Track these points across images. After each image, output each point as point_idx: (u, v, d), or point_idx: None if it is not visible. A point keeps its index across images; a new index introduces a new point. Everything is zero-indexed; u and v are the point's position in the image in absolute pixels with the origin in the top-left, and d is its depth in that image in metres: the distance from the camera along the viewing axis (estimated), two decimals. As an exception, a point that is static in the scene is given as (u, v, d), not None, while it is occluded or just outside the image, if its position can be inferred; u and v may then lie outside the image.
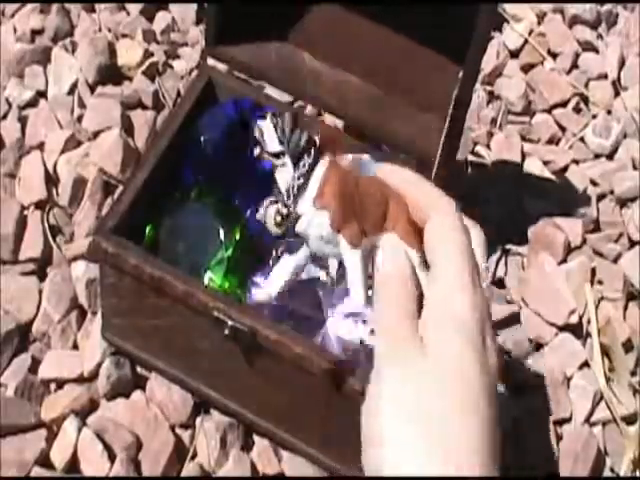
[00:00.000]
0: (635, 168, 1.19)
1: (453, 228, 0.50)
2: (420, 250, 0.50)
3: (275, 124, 0.54)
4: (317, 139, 0.52)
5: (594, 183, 1.17)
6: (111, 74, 1.16)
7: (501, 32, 1.30)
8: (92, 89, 1.14)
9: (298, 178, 0.52)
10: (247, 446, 0.94)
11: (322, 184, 0.51)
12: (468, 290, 0.46)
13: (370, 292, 0.52)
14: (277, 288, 0.57)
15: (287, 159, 0.53)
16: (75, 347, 0.98)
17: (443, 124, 0.85)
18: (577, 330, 1.05)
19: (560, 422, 1.00)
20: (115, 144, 1.07)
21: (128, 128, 1.11)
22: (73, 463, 0.90)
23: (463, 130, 0.90)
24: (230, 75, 1.03)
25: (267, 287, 0.56)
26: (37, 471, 0.89)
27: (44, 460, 0.90)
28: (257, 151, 0.55)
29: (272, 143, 0.54)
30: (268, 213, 0.53)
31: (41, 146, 1.09)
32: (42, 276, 1.01)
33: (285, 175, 0.53)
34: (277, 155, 0.53)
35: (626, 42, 1.30)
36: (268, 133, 0.54)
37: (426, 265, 0.50)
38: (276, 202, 0.53)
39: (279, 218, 0.52)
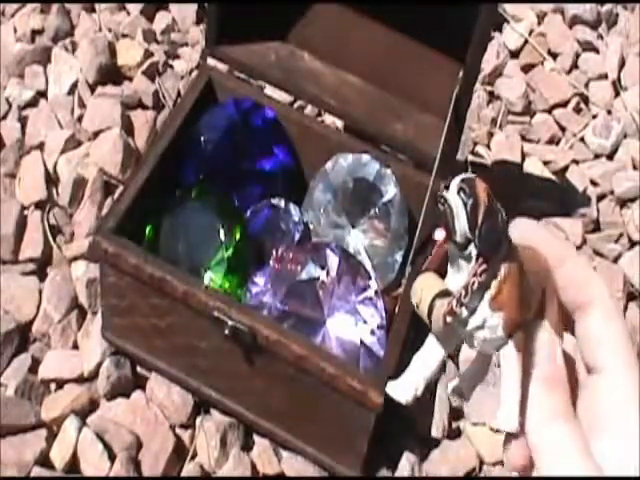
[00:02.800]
0: (635, 168, 1.19)
1: (613, 320, 0.45)
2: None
3: (466, 203, 0.43)
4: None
5: (594, 183, 1.17)
6: (111, 74, 1.16)
7: (501, 32, 1.30)
8: (92, 89, 1.14)
9: (481, 274, 0.43)
10: (247, 446, 0.94)
11: (502, 281, 0.43)
12: None
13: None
14: (411, 395, 0.47)
15: (473, 250, 0.43)
16: (75, 347, 0.98)
17: (443, 124, 0.85)
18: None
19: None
20: (115, 144, 1.07)
21: (128, 128, 1.11)
22: (73, 463, 0.90)
23: (463, 130, 0.90)
24: (230, 75, 1.03)
25: (399, 390, 0.47)
26: (37, 471, 0.89)
27: (44, 460, 0.90)
28: (440, 234, 0.44)
29: (461, 231, 0.43)
30: (436, 307, 0.44)
31: (41, 146, 1.09)
32: (42, 276, 1.01)
33: (464, 267, 0.43)
34: (464, 245, 0.43)
35: (626, 42, 1.30)
36: (458, 213, 0.42)
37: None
38: (446, 295, 0.44)
39: (450, 318, 0.43)
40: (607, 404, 0.44)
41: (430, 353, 0.47)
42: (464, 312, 0.43)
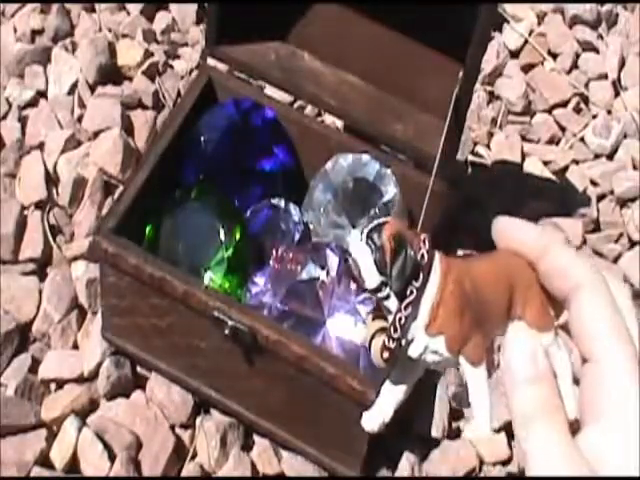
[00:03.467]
0: (635, 168, 1.19)
1: (601, 304, 0.44)
2: (554, 328, 0.45)
3: (372, 252, 0.44)
4: (425, 257, 0.44)
5: (594, 183, 1.17)
6: (111, 74, 1.16)
7: (501, 32, 1.30)
8: (92, 89, 1.14)
9: (405, 308, 0.44)
10: (247, 446, 0.94)
11: (435, 307, 0.44)
12: None
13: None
14: (379, 424, 0.48)
15: (389, 291, 0.44)
16: (75, 347, 0.98)
17: (443, 124, 0.85)
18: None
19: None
20: (115, 144, 1.07)
21: (128, 128, 1.11)
22: (73, 463, 0.90)
23: (463, 130, 0.90)
24: (230, 75, 1.03)
25: (369, 421, 0.48)
26: (37, 471, 0.89)
27: (44, 460, 0.90)
28: (354, 286, 0.48)
29: (371, 278, 0.44)
30: (374, 344, 0.45)
31: (41, 146, 1.09)
32: (42, 276, 1.01)
33: (390, 305, 0.44)
34: (377, 289, 0.44)
35: (626, 42, 1.30)
36: (365, 267, 0.44)
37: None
38: (383, 329, 0.45)
39: (387, 354, 0.44)
40: (602, 393, 0.43)
41: (396, 384, 0.48)
42: (398, 347, 0.44)
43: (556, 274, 0.45)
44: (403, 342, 0.44)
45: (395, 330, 0.44)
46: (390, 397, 0.48)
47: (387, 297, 0.44)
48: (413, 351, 0.44)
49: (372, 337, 0.45)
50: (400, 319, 0.44)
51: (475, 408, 0.45)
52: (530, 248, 0.45)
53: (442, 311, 0.44)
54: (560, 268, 0.45)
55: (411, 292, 0.44)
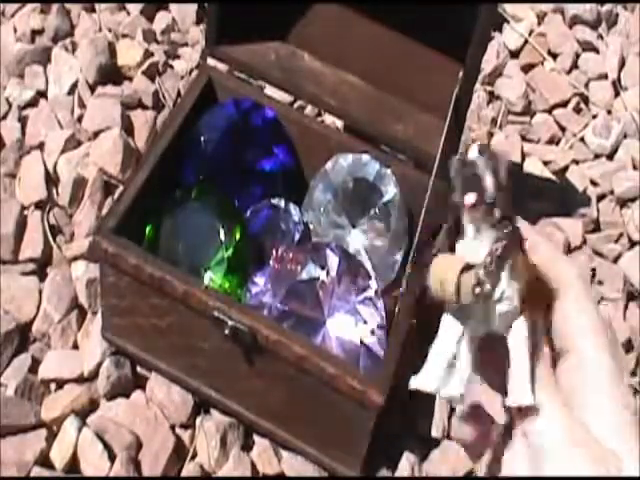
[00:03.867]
0: (635, 168, 1.19)
1: (582, 305, 0.46)
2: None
3: (489, 165, 0.43)
4: None
5: (594, 183, 1.17)
6: (111, 74, 1.16)
7: (501, 32, 1.30)
8: (92, 89, 1.14)
9: (503, 239, 0.43)
10: (247, 446, 0.94)
11: (517, 250, 0.44)
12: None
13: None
14: (435, 382, 0.46)
15: (497, 213, 0.43)
16: (75, 347, 0.98)
17: (443, 124, 0.85)
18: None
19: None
20: (115, 144, 1.07)
21: (128, 128, 1.11)
22: (73, 463, 0.90)
23: (463, 130, 0.90)
24: (230, 75, 1.03)
25: (423, 379, 0.46)
26: (37, 471, 0.89)
27: (44, 460, 0.90)
28: (471, 198, 0.44)
29: (489, 188, 0.43)
30: (463, 281, 0.43)
31: (41, 146, 1.09)
32: (42, 276, 1.01)
33: (486, 235, 0.43)
34: (490, 207, 0.43)
35: (626, 42, 1.30)
36: (484, 175, 0.43)
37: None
38: (470, 268, 0.43)
39: (478, 289, 0.42)
40: (573, 388, 0.45)
41: (444, 340, 0.46)
42: (488, 285, 0.43)
43: (545, 272, 0.46)
44: (489, 281, 0.43)
45: (491, 262, 0.43)
46: (442, 357, 0.46)
47: (492, 221, 0.43)
48: (496, 294, 0.43)
49: (459, 275, 0.43)
50: (497, 249, 0.43)
51: (517, 374, 0.44)
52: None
53: (522, 259, 0.44)
54: (548, 267, 0.46)
55: (506, 226, 0.43)
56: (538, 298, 0.46)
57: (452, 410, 0.97)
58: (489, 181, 0.43)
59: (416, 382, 0.46)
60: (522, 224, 0.46)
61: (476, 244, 0.44)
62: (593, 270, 1.10)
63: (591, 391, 0.44)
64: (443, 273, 0.44)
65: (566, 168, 1.19)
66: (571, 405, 0.44)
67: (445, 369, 0.46)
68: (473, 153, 0.44)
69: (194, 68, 1.18)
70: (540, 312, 0.46)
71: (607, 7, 1.33)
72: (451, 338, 0.46)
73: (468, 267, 0.43)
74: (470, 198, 0.44)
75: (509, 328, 0.45)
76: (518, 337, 0.45)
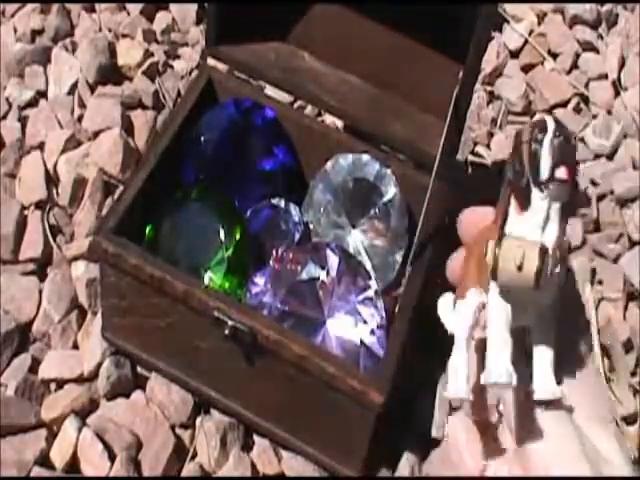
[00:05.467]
0: (635, 168, 1.19)
1: None
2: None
3: (554, 147, 0.42)
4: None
5: (594, 183, 1.17)
6: (111, 74, 1.16)
7: (501, 32, 1.30)
8: (92, 89, 1.14)
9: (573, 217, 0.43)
10: (247, 446, 0.94)
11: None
12: None
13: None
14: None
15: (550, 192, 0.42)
16: (75, 347, 0.98)
17: (443, 124, 0.85)
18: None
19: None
20: (115, 144, 1.07)
21: (128, 128, 1.11)
22: (73, 463, 0.90)
23: (463, 130, 0.90)
24: (230, 75, 1.03)
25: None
26: (37, 471, 0.89)
27: (44, 460, 0.90)
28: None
29: (545, 170, 0.42)
30: (526, 264, 0.42)
31: (41, 146, 1.09)
32: (42, 276, 1.01)
33: (554, 215, 0.42)
34: (541, 185, 0.42)
35: (626, 42, 1.30)
36: (545, 157, 0.42)
37: None
38: (546, 250, 0.42)
39: (558, 269, 0.42)
40: None
41: (502, 326, 0.44)
42: (558, 267, 0.42)
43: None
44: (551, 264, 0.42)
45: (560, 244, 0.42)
46: (507, 345, 0.44)
47: (544, 197, 0.42)
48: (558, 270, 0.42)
49: (522, 258, 0.42)
50: (559, 237, 0.42)
51: (542, 367, 0.44)
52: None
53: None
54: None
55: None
56: None
57: (452, 410, 0.97)
58: (544, 161, 0.42)
59: (491, 377, 0.44)
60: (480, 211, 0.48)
61: (545, 223, 0.43)
62: (593, 270, 1.10)
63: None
64: (524, 252, 0.42)
65: (566, 168, 1.18)
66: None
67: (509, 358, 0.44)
68: (551, 130, 0.42)
69: (194, 68, 1.18)
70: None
71: (607, 7, 1.33)
72: (503, 328, 0.44)
73: (544, 250, 0.42)
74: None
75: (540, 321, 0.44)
76: (548, 330, 0.44)
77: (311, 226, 0.99)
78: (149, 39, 1.21)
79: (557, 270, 0.42)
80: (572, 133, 0.42)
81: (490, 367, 0.43)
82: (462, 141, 0.94)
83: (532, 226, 0.43)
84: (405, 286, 0.88)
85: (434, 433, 0.95)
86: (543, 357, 0.44)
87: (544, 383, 0.44)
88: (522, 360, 0.45)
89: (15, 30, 1.20)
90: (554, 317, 0.44)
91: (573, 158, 0.42)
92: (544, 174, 0.42)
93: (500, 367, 0.43)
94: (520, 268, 0.42)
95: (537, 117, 0.43)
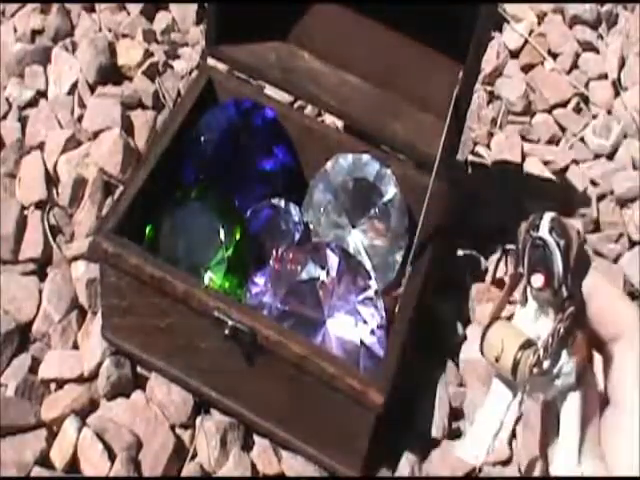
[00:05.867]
0: (635, 168, 1.19)
1: (635, 354, 0.44)
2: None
3: (559, 244, 0.40)
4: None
5: (594, 183, 1.17)
6: (111, 74, 1.16)
7: (501, 32, 1.30)
8: (92, 89, 1.14)
9: (566, 319, 0.41)
10: (247, 446, 0.94)
11: (579, 327, 0.42)
12: None
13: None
14: (484, 455, 0.44)
15: (564, 294, 0.41)
16: (75, 347, 0.98)
17: (443, 124, 0.85)
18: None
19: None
20: (115, 144, 1.07)
21: (128, 128, 1.11)
22: (73, 463, 0.90)
23: (463, 130, 0.90)
24: (230, 75, 1.03)
25: (473, 448, 0.44)
26: (37, 471, 0.89)
27: (44, 460, 0.90)
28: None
29: (558, 270, 0.40)
30: (524, 357, 0.41)
31: (41, 146, 1.09)
32: (42, 276, 1.01)
33: (549, 312, 0.42)
34: (557, 288, 0.41)
35: (626, 42, 1.30)
36: (555, 255, 0.40)
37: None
38: (530, 345, 0.41)
39: (537, 369, 0.41)
40: (620, 442, 0.44)
41: (496, 407, 0.45)
42: (547, 362, 0.41)
43: (601, 317, 0.45)
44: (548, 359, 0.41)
45: (552, 342, 0.41)
46: (491, 424, 0.44)
47: (558, 301, 0.41)
48: (553, 371, 0.42)
49: (518, 351, 0.41)
50: (560, 330, 0.41)
51: (565, 444, 0.43)
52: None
53: (580, 332, 0.42)
54: (608, 314, 0.45)
55: (572, 302, 0.41)
56: (591, 346, 0.45)
57: (452, 410, 0.97)
58: (558, 264, 0.40)
59: (463, 452, 0.45)
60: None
61: (538, 318, 0.42)
62: (593, 270, 1.10)
63: (623, 452, 0.43)
64: (502, 344, 0.42)
65: (566, 168, 1.19)
66: (607, 463, 0.44)
67: (492, 437, 0.44)
68: (544, 230, 0.41)
69: (194, 68, 1.18)
70: (591, 359, 0.45)
71: (607, 7, 1.33)
72: (501, 406, 0.44)
73: (528, 343, 0.42)
74: (538, 281, 0.41)
75: (564, 400, 0.44)
76: (571, 409, 0.43)
77: (311, 226, 0.99)
78: (149, 39, 1.21)
79: (563, 363, 0.42)
80: (572, 231, 0.41)
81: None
82: (462, 141, 0.94)
83: (527, 318, 0.43)
84: (405, 286, 0.88)
85: (434, 433, 0.95)
86: (569, 431, 0.43)
87: (565, 459, 0.43)
88: None
89: (15, 30, 1.20)
90: (582, 394, 0.44)
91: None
92: (521, 270, 0.42)
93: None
94: (497, 360, 0.42)
95: (537, 214, 0.42)
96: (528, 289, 0.43)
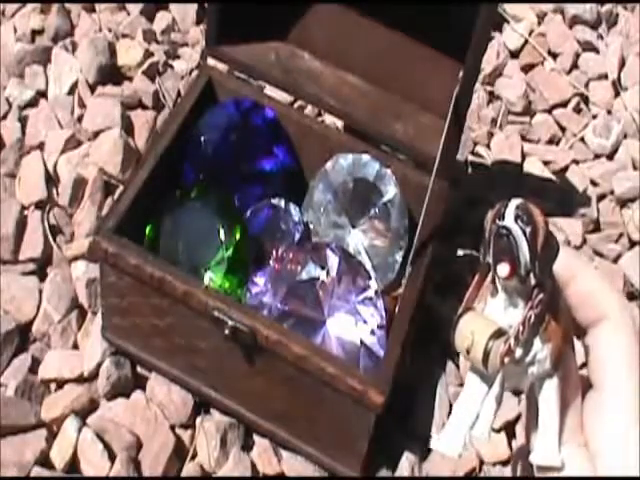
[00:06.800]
0: (635, 168, 1.19)
1: (620, 337, 0.44)
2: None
3: (525, 231, 0.40)
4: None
5: (594, 183, 1.17)
6: (111, 74, 1.16)
7: (501, 32, 1.30)
8: (92, 89, 1.14)
9: (537, 306, 0.40)
10: (247, 446, 0.94)
11: (552, 313, 0.42)
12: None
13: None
14: (461, 447, 0.44)
15: (532, 281, 0.40)
16: (75, 347, 0.98)
17: (443, 124, 0.85)
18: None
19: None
20: (115, 144, 1.07)
21: (128, 128, 1.11)
22: (73, 463, 0.90)
23: (463, 130, 0.90)
24: (230, 75, 1.03)
25: (450, 441, 0.44)
26: (37, 471, 0.89)
27: (44, 460, 0.90)
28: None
29: (525, 258, 0.40)
30: (492, 351, 0.41)
31: (41, 146, 1.09)
32: (42, 276, 1.01)
33: (518, 301, 0.41)
34: (525, 276, 0.40)
35: (626, 42, 1.30)
36: (520, 243, 0.40)
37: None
38: (500, 334, 0.41)
39: (507, 359, 0.41)
40: (604, 426, 0.44)
41: (471, 398, 0.44)
42: (519, 350, 0.41)
43: (582, 301, 0.45)
44: (520, 349, 0.41)
45: (523, 330, 0.40)
46: (467, 417, 0.44)
47: (526, 289, 0.41)
48: (527, 359, 0.42)
49: (488, 342, 0.41)
50: (530, 317, 0.41)
51: (545, 433, 0.43)
52: (557, 273, 0.44)
53: (554, 318, 0.42)
54: (589, 297, 0.45)
55: (538, 294, 0.40)
56: (569, 330, 0.45)
57: (452, 410, 0.97)
58: (525, 251, 0.40)
59: (439, 444, 0.44)
60: (563, 250, 0.44)
61: (507, 307, 0.42)
62: (593, 270, 1.10)
63: (607, 435, 0.43)
64: (472, 336, 0.42)
65: (566, 168, 1.19)
66: (589, 448, 0.43)
67: (468, 430, 0.44)
68: (509, 219, 0.40)
69: (194, 68, 1.19)
70: (571, 344, 0.45)
71: (607, 7, 1.33)
72: (477, 398, 0.44)
73: (499, 333, 0.41)
74: (504, 270, 0.41)
75: (541, 388, 0.44)
76: (549, 395, 0.43)
77: (311, 226, 0.99)
78: (149, 39, 1.21)
79: (536, 351, 0.42)
80: (538, 217, 0.40)
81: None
82: (462, 141, 0.94)
83: (498, 308, 0.42)
84: (405, 286, 0.88)
85: (434, 433, 0.95)
86: (548, 418, 0.43)
87: (545, 447, 0.43)
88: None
89: (15, 30, 1.20)
90: (559, 381, 0.43)
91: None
92: (488, 260, 0.42)
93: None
94: (468, 351, 0.42)
95: (503, 202, 0.41)
96: (496, 279, 0.42)
